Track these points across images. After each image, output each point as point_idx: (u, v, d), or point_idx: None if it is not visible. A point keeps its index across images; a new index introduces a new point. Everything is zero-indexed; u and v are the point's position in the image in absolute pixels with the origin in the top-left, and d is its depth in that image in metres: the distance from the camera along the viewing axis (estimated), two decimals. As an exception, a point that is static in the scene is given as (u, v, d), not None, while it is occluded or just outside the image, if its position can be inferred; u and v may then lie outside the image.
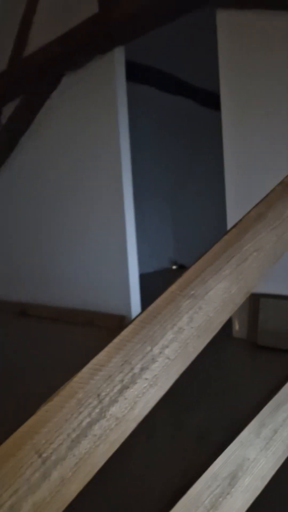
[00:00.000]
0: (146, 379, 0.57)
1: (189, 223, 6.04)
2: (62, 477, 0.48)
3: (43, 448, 0.48)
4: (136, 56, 3.93)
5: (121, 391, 0.54)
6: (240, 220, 0.75)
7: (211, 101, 5.29)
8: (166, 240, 5.89)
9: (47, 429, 0.48)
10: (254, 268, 0.74)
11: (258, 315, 2.33)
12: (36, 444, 0.47)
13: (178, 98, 5.48)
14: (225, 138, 2.55)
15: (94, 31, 2.84)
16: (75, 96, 3.29)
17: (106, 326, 3.04)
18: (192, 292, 0.64)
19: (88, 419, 0.51)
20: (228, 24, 2.47)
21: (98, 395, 0.52)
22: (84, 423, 0.51)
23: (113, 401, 0.53)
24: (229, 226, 2.52)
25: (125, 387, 0.55)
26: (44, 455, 0.47)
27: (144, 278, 3.26)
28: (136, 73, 4.44)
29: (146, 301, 3.07)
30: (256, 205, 0.78)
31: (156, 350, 0.58)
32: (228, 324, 2.50)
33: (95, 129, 3.17)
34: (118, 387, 0.54)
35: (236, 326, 2.49)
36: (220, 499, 0.67)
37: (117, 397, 0.54)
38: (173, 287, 0.64)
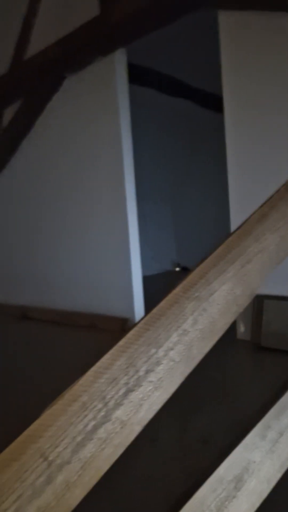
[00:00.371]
0: (151, 381, 0.56)
1: (190, 224, 6.03)
2: (67, 481, 0.48)
3: (48, 452, 0.47)
4: (135, 58, 3.94)
5: (126, 394, 0.54)
6: (244, 222, 0.74)
7: (211, 102, 5.30)
8: (168, 242, 5.89)
9: (51, 433, 0.48)
10: (258, 270, 0.74)
11: (261, 316, 2.32)
12: (40, 448, 0.47)
13: (178, 100, 5.49)
14: (228, 140, 2.54)
15: (95, 32, 2.85)
16: (77, 98, 3.29)
17: (108, 329, 3.04)
18: (197, 294, 0.64)
19: (93, 422, 0.50)
20: (230, 25, 2.47)
21: (103, 398, 0.52)
22: (89, 427, 0.50)
23: (118, 404, 0.53)
24: (232, 227, 2.52)
25: (130, 390, 0.54)
26: (49, 458, 0.47)
27: (146, 281, 3.25)
28: (135, 75, 4.45)
29: (149, 303, 3.06)
30: (260, 206, 0.77)
31: (160, 352, 0.58)
32: (232, 325, 2.49)
33: (97, 130, 3.17)
34: (123, 390, 0.54)
35: (241, 328, 2.48)
36: (226, 503, 0.66)
37: (122, 400, 0.53)
38: (177, 289, 0.63)
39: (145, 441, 1.42)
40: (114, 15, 2.70)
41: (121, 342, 0.55)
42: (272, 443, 0.75)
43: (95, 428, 0.51)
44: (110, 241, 3.17)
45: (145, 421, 0.56)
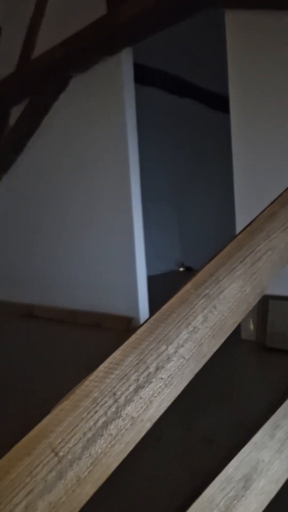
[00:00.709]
0: (162, 378, 0.56)
1: (194, 224, 6.02)
2: (78, 477, 0.48)
3: (59, 447, 0.47)
4: (140, 58, 3.94)
5: (136, 391, 0.53)
6: (253, 220, 0.74)
7: (217, 102, 5.29)
8: (172, 242, 5.88)
9: (62, 428, 0.48)
10: (268, 268, 0.73)
11: (267, 316, 2.31)
12: (52, 443, 0.47)
13: (183, 100, 5.48)
14: (233, 140, 2.54)
15: (101, 32, 2.85)
16: (83, 98, 3.29)
17: (113, 328, 3.04)
18: (207, 291, 0.63)
19: (104, 418, 0.50)
20: (236, 24, 2.46)
21: (114, 394, 0.51)
22: (100, 422, 0.50)
23: (129, 401, 0.53)
24: (237, 227, 2.51)
25: (140, 387, 0.54)
26: (60, 454, 0.47)
27: (151, 281, 3.25)
28: (140, 75, 4.45)
29: (153, 303, 3.06)
30: (270, 204, 0.77)
31: (171, 349, 0.58)
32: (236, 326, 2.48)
33: (103, 130, 3.18)
34: (134, 386, 0.53)
35: (250, 327, 2.47)
36: (235, 502, 0.66)
37: (133, 397, 0.53)
38: (187, 287, 0.63)
39: (150, 440, 1.42)
40: (120, 15, 2.70)
41: (132, 339, 0.55)
42: (281, 443, 0.74)
43: (106, 424, 0.51)
44: (115, 241, 3.17)
45: (155, 418, 0.56)
